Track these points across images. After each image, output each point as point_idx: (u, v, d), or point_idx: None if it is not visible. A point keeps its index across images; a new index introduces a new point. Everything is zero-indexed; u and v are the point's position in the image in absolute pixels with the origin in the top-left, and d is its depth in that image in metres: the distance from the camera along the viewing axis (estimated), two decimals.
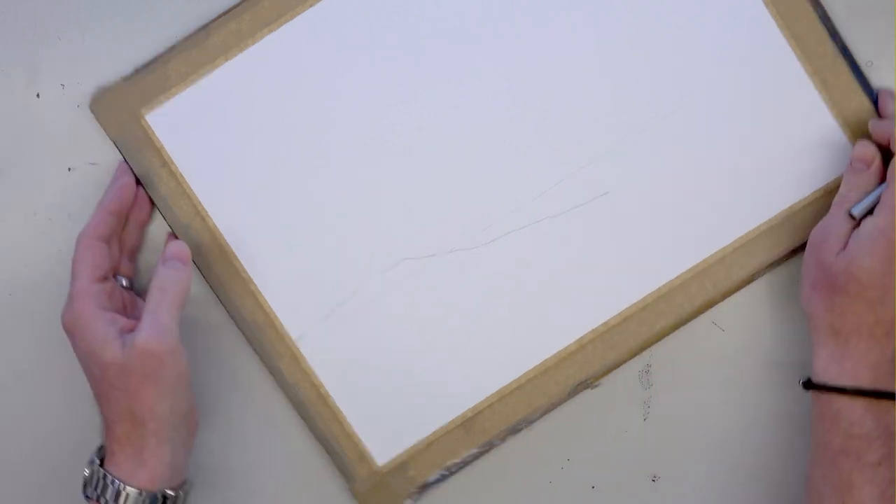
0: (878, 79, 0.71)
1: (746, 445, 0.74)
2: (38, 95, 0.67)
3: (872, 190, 0.67)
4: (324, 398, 0.72)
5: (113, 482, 0.65)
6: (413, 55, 0.70)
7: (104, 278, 0.67)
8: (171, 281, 0.66)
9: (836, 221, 0.67)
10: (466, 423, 0.72)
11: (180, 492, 0.67)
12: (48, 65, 0.71)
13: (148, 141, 0.70)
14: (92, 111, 0.70)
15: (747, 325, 0.73)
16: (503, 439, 0.72)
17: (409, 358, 0.72)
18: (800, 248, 0.71)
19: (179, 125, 0.70)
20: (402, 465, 0.72)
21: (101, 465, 0.66)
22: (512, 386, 0.72)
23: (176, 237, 0.70)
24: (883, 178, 0.68)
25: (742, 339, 0.73)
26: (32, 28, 0.70)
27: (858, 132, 0.70)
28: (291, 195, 0.71)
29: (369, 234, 0.71)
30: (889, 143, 0.68)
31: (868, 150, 0.68)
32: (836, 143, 0.71)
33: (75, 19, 0.71)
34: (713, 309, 0.72)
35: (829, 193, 0.70)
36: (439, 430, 0.72)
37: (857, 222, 0.66)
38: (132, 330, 0.65)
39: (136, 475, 0.65)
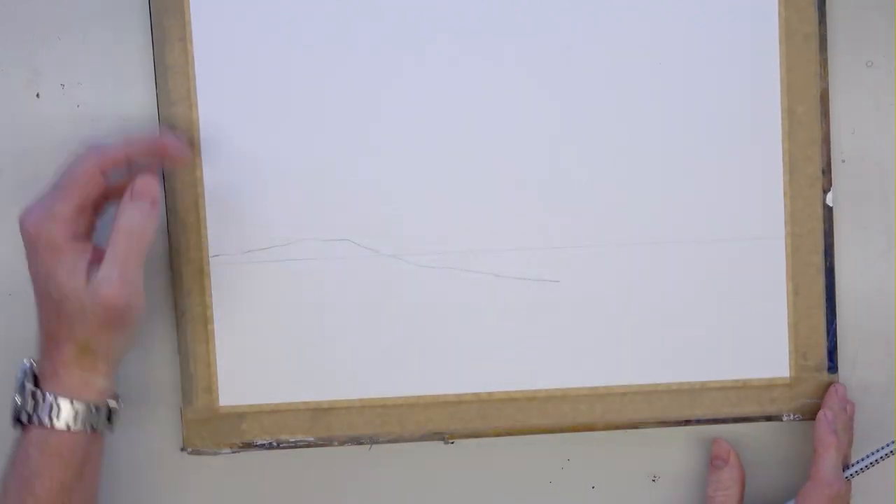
0: (878, 79, 0.72)
1: (746, 445, 0.74)
2: (37, 95, 0.68)
3: (733, 485, 0.72)
4: (206, 319, 0.72)
5: (58, 402, 0.64)
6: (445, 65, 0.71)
7: (90, 210, 0.66)
8: (138, 224, 0.65)
9: None
10: (317, 413, 0.72)
11: (121, 402, 0.68)
12: (48, 65, 0.72)
13: (179, 9, 0.70)
14: None
15: None
16: (341, 443, 0.72)
17: (300, 328, 0.72)
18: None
19: (214, 12, 0.70)
20: (239, 416, 0.72)
21: (40, 389, 0.65)
22: (376, 402, 0.72)
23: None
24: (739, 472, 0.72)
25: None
26: (32, 28, 0.70)
27: (801, 349, 0.71)
28: (276, 128, 0.71)
29: (329, 199, 0.71)
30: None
31: (723, 447, 0.73)
32: (777, 348, 0.72)
33: (75, 19, 0.72)
34: None
35: (733, 388, 0.72)
36: (290, 405, 0.72)
37: None
38: (101, 261, 0.64)
39: (82, 392, 0.65)
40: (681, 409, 0.72)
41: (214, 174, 0.71)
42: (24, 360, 0.67)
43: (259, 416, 0.72)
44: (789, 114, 0.71)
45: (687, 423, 0.72)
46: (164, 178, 0.71)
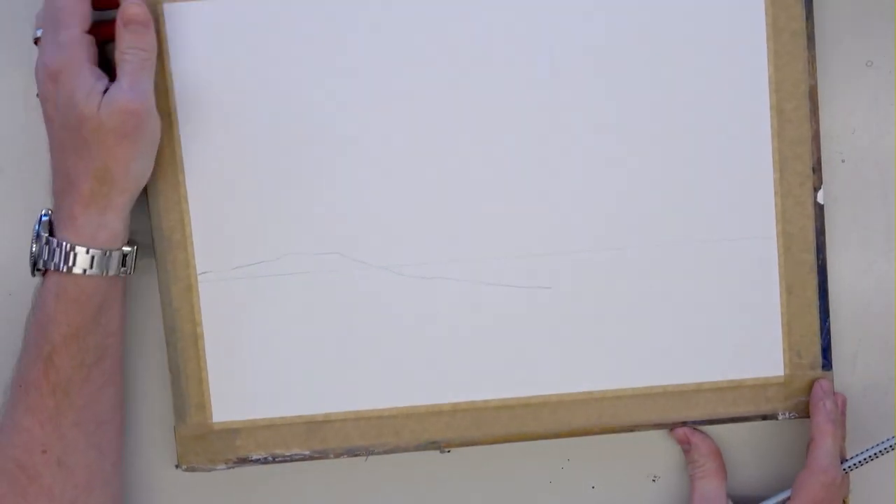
0: (877, 78, 0.72)
1: (745, 445, 0.74)
2: (38, 95, 0.67)
3: (707, 458, 0.72)
4: (196, 336, 0.71)
5: (73, 248, 0.65)
6: (430, 72, 0.70)
7: (90, 32, 0.67)
8: (138, 45, 0.66)
9: None
10: (312, 426, 0.72)
11: (135, 248, 0.68)
12: None
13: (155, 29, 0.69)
14: None
15: None
16: (337, 456, 0.72)
17: (291, 342, 0.71)
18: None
19: (191, 29, 0.69)
20: (233, 432, 0.72)
21: (53, 236, 0.66)
22: (371, 414, 0.72)
23: None
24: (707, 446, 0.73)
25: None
26: (32, 28, 0.69)
27: (795, 347, 0.71)
28: (260, 143, 0.70)
29: (316, 213, 0.71)
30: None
31: (679, 434, 0.73)
32: (770, 347, 0.71)
33: None
34: None
35: (728, 388, 0.72)
36: (284, 419, 0.72)
37: None
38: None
39: (97, 237, 0.66)
40: (677, 410, 0.72)
41: (199, 191, 0.71)
42: (42, 210, 0.67)
43: (253, 431, 0.72)
44: (778, 112, 0.70)
45: (683, 424, 0.72)
46: (147, 198, 0.71)
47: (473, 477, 0.75)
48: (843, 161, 0.72)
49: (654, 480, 0.75)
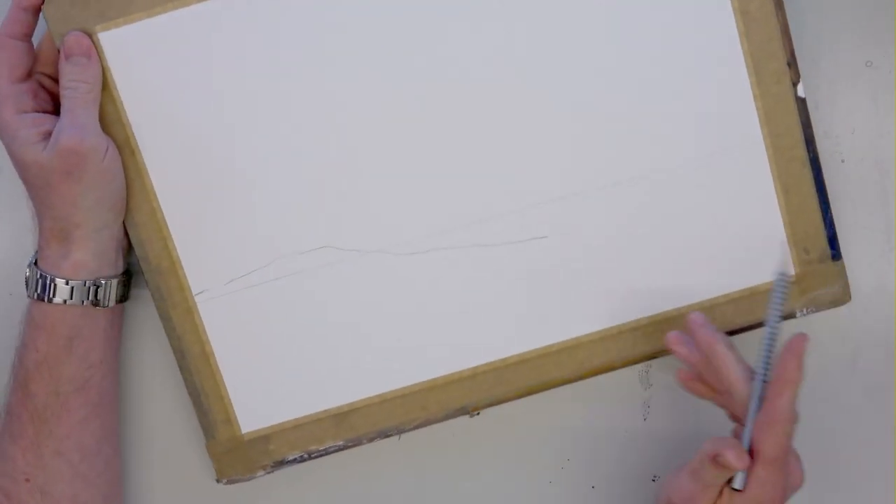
0: (878, 79, 0.72)
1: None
2: None
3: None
4: (206, 355, 0.71)
5: (42, 276, 0.66)
6: (384, 41, 0.68)
7: (25, 77, 0.67)
8: (79, 78, 0.66)
9: (695, 487, 0.62)
10: (339, 416, 0.72)
11: (112, 281, 0.68)
12: None
13: None
14: (44, 14, 0.67)
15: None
16: (370, 440, 0.73)
17: (301, 341, 0.71)
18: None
19: (131, 53, 0.67)
20: (264, 438, 0.72)
21: (35, 264, 0.67)
22: (395, 393, 0.72)
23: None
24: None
25: (740, 339, 0.72)
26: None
27: (801, 244, 0.70)
28: (227, 152, 0.69)
29: (300, 210, 0.70)
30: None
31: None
32: (776, 247, 0.70)
33: None
34: None
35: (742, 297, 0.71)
36: (311, 416, 0.72)
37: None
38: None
39: (61, 266, 0.66)
40: None
41: (177, 214, 0.70)
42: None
43: (283, 433, 0.72)
44: (743, 14, 0.68)
45: None
46: (127, 232, 0.70)
47: (473, 476, 0.75)
48: (842, 161, 0.71)
49: (654, 480, 0.75)
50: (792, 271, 0.70)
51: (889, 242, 0.72)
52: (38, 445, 0.67)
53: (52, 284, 0.66)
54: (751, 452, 0.61)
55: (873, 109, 0.71)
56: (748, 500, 0.61)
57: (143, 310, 0.73)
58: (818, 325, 0.73)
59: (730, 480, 0.62)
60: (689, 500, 0.63)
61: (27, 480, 0.67)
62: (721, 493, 0.62)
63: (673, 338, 0.66)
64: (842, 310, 0.72)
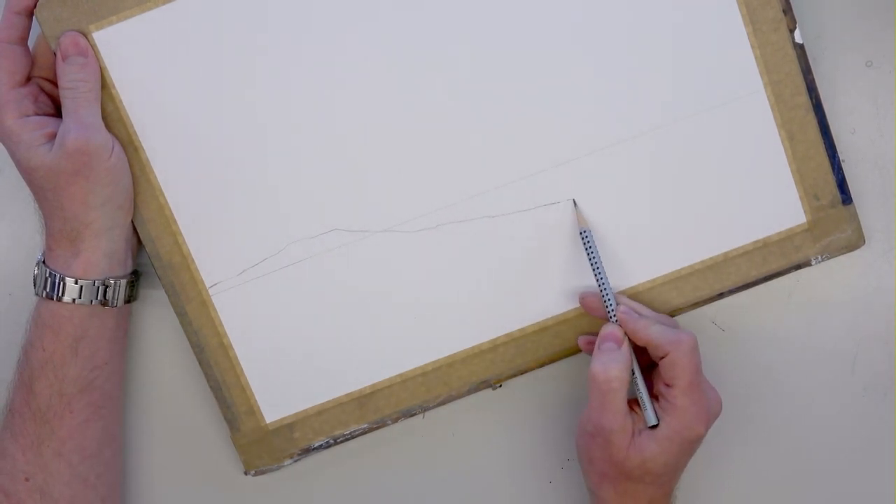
0: (878, 79, 0.71)
1: (745, 445, 0.74)
2: None
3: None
4: (225, 347, 0.71)
5: (52, 275, 0.66)
6: (384, 17, 0.68)
7: (25, 81, 0.67)
8: (79, 77, 0.66)
9: (615, 417, 0.65)
10: (362, 399, 0.72)
11: (122, 281, 0.68)
12: None
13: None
14: (37, 18, 0.67)
15: (747, 325, 0.73)
16: (395, 420, 0.72)
17: (318, 326, 0.71)
18: (724, 294, 0.71)
19: (126, 50, 0.67)
20: (288, 426, 0.72)
21: (44, 262, 0.67)
22: (416, 372, 0.72)
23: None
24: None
25: (741, 339, 0.73)
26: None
27: (811, 191, 0.70)
28: (230, 143, 0.69)
29: (305, 196, 0.70)
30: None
31: (617, 331, 0.67)
32: (787, 197, 0.70)
33: None
34: (714, 309, 0.73)
35: (755, 249, 0.71)
36: (333, 401, 0.72)
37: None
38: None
39: (70, 265, 0.66)
40: (710, 284, 0.71)
41: (185, 208, 0.70)
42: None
43: (307, 420, 0.72)
44: None
45: (720, 296, 0.71)
46: (137, 231, 0.70)
47: (473, 476, 0.75)
48: (843, 161, 0.71)
49: None
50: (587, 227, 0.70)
51: (889, 242, 0.72)
52: (38, 445, 0.67)
53: (62, 283, 0.66)
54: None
55: (873, 109, 0.71)
56: (671, 431, 0.65)
57: (157, 310, 0.72)
58: (818, 325, 0.73)
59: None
60: (605, 428, 0.65)
61: (26, 480, 0.67)
62: (633, 435, 0.65)
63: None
64: (842, 310, 0.73)
